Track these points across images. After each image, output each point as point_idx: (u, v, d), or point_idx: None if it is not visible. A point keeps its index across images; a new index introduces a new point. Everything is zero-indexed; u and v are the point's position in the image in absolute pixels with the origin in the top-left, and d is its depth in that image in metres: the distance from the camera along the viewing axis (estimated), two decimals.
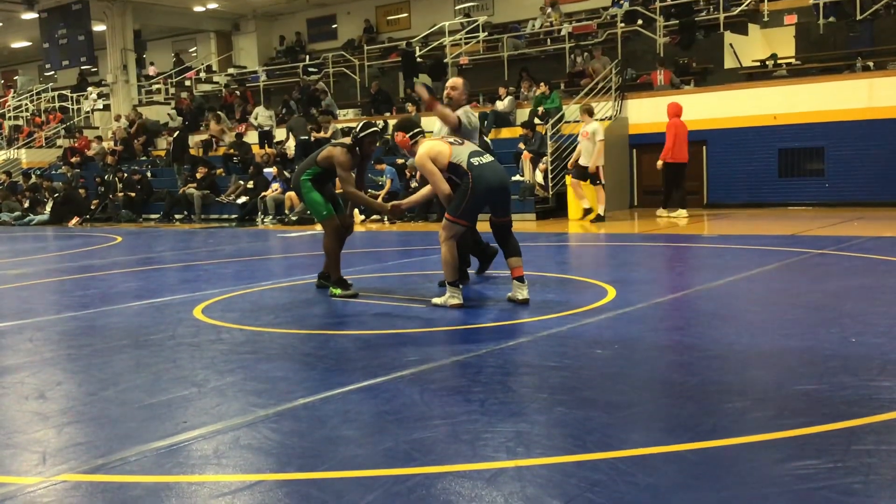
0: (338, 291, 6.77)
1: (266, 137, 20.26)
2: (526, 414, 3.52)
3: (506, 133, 17.38)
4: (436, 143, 6.23)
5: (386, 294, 6.85)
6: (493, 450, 3.09)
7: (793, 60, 16.85)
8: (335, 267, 6.87)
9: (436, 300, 6.23)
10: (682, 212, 13.84)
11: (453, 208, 6.07)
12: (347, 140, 6.93)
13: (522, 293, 6.15)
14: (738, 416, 3.45)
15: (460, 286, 6.22)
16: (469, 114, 7.02)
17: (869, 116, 14.18)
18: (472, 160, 6.02)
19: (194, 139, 21.85)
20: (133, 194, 20.00)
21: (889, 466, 2.80)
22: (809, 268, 7.64)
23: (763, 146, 15.01)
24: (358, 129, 6.90)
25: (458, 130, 6.79)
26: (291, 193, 17.09)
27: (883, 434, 3.14)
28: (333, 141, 7.13)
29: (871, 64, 14.98)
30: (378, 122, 19.25)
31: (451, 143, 6.18)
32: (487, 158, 6.13)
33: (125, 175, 20.62)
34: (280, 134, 20.42)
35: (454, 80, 7.47)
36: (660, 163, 13.93)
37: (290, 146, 19.38)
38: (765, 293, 6.52)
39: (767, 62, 16.78)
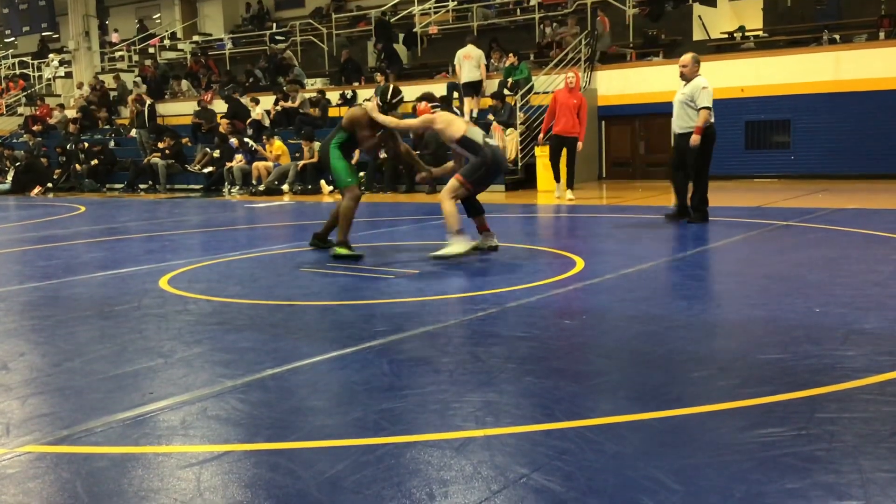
0: (343, 251, 7.00)
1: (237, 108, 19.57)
2: (495, 384, 3.53)
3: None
4: (454, 117, 7.28)
5: (354, 265, 6.83)
6: (462, 419, 3.10)
7: (760, 33, 16.93)
8: (346, 230, 7.09)
9: (436, 253, 6.80)
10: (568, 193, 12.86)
11: (468, 173, 6.92)
12: (371, 105, 7.29)
13: (493, 241, 7.22)
14: (703, 384, 3.49)
15: (465, 233, 6.89)
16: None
17: (835, 89, 14.31)
18: (486, 140, 7.01)
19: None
20: (96, 161, 19.65)
21: (851, 434, 2.85)
22: (774, 239, 7.72)
23: (730, 118, 15.06)
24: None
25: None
26: (258, 163, 16.91)
27: (845, 402, 3.19)
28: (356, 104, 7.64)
29: (837, 37, 15.08)
30: (347, 91, 19.17)
31: (467, 122, 7.25)
32: (494, 142, 7.12)
33: (86, 144, 20.24)
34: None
35: (685, 58, 8.57)
36: (541, 136, 12.92)
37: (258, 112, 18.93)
38: (730, 264, 6.58)
39: (735, 34, 16.83)
